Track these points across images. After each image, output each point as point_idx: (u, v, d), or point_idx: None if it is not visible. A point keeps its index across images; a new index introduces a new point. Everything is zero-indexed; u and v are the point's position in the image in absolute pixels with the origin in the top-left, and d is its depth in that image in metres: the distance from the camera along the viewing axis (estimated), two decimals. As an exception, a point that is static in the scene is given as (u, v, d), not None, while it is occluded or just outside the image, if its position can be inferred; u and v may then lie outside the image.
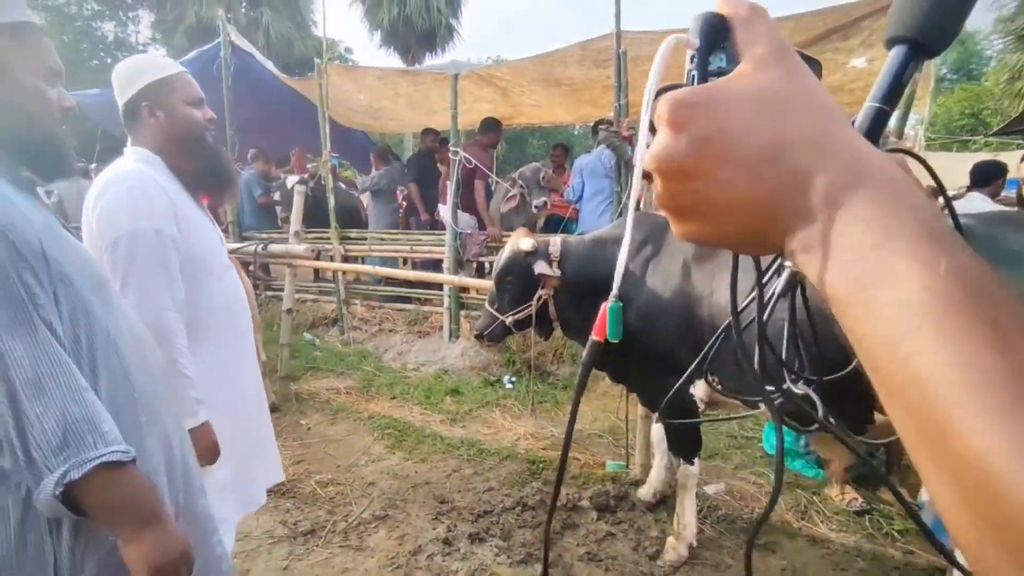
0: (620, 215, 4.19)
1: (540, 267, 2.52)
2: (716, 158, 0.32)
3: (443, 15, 22.18)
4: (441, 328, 5.29)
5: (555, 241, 2.61)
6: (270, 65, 5.94)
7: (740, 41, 0.36)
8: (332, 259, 5.39)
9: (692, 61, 0.38)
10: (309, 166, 6.83)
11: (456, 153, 4.78)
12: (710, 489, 3.05)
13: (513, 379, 4.64)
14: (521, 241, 2.59)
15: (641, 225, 2.51)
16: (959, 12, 0.39)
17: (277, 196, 6.15)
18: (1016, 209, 2.35)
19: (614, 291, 0.64)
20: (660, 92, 0.36)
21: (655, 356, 2.44)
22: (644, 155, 0.37)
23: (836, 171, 0.30)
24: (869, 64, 4.21)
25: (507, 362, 4.85)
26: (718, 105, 0.33)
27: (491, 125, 5.30)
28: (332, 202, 5.31)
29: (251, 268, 4.69)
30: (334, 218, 5.40)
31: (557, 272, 2.58)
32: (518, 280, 2.62)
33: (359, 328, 5.61)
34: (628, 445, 3.37)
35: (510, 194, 4.90)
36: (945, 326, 0.25)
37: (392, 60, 24.03)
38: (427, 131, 5.97)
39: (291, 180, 5.77)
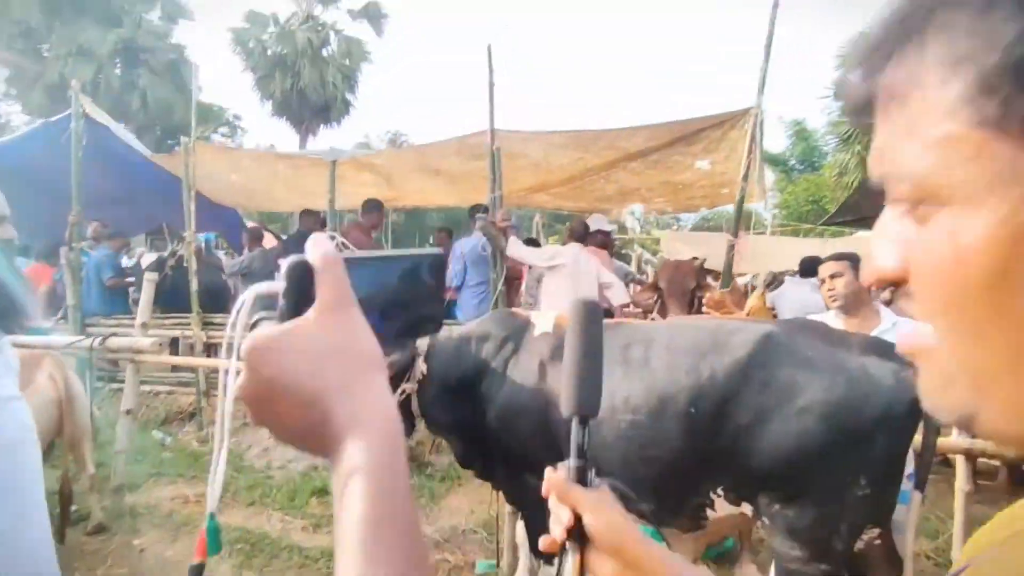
0: (495, 306, 4.26)
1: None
2: (275, 395, 0.41)
3: (339, 90, 22.37)
4: (313, 419, 4.97)
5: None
6: (130, 139, 5.58)
7: (317, 286, 0.43)
8: (192, 347, 4.95)
9: (282, 298, 0.45)
10: (171, 246, 6.37)
11: (334, 238, 4.68)
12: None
13: (388, 473, 4.41)
14: None
15: (504, 323, 2.56)
16: (596, 395, 0.58)
17: (132, 277, 5.63)
18: (822, 315, 2.68)
19: (209, 508, 0.60)
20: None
21: (514, 455, 2.43)
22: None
23: (345, 416, 0.41)
24: (711, 167, 4.76)
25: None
26: (282, 352, 0.42)
27: (373, 207, 5.27)
28: (195, 286, 4.95)
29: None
30: (196, 303, 5.01)
31: (423, 368, 2.55)
32: None
33: (220, 422, 5.11)
34: (497, 541, 3.27)
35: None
36: (357, 549, 0.37)
37: (285, 130, 23.70)
38: (306, 213, 5.82)
39: (146, 260, 5.33)
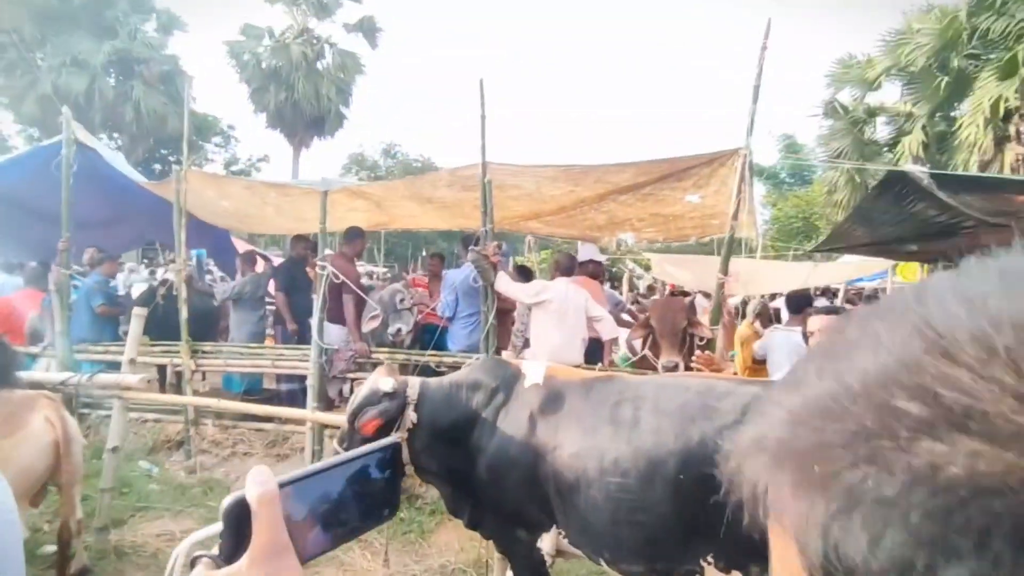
0: (487, 338, 4.26)
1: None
2: None
3: (333, 103, 22.44)
4: (303, 449, 4.93)
5: (414, 383, 2.57)
6: (120, 163, 5.56)
7: (253, 529, 0.43)
8: (180, 376, 4.91)
9: (220, 539, 0.45)
10: (160, 271, 6.33)
11: (324, 268, 4.68)
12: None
13: (378, 506, 4.37)
14: (381, 381, 2.52)
15: (494, 372, 2.56)
16: None
17: (122, 304, 5.59)
18: None
19: None
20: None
21: (503, 508, 2.42)
22: None
23: None
24: (701, 200, 4.80)
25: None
26: None
27: (355, 234, 5.27)
28: (184, 314, 4.91)
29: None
30: (186, 331, 4.98)
31: (413, 416, 2.54)
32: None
33: (209, 451, 5.06)
34: (491, 584, 3.25)
35: (372, 313, 4.83)
36: None
37: (278, 141, 23.67)
38: (297, 238, 5.82)
39: (136, 290, 5.29)
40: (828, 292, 10.91)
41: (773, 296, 8.63)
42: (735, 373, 2.94)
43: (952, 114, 12.70)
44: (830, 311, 2.67)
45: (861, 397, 0.26)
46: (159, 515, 4.18)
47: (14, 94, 20.32)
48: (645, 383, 2.25)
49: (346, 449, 2.60)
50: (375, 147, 37.60)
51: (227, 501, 0.45)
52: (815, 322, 2.67)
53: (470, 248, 4.67)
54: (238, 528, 0.44)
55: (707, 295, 9.05)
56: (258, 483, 0.44)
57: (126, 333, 5.46)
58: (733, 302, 7.32)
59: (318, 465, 0.53)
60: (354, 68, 23.20)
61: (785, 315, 6.26)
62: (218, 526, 0.46)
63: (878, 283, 13.49)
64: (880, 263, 9.61)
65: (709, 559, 1.91)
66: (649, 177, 4.38)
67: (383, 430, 2.51)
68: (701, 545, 1.91)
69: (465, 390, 2.54)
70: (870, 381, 0.26)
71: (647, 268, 14.51)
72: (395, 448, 0.60)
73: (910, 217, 4.57)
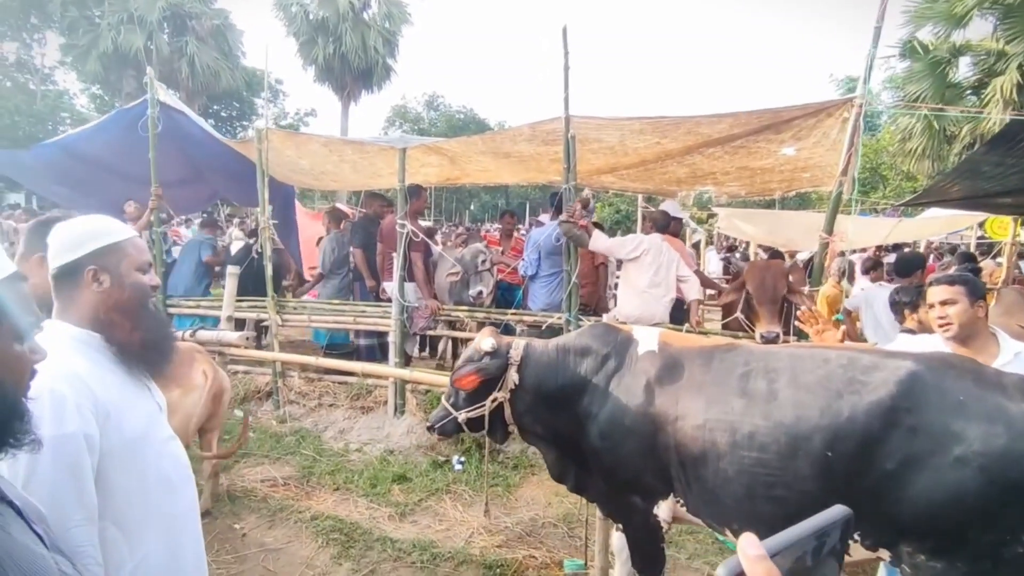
0: (569, 297, 4.21)
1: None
2: None
3: (380, 55, 22.17)
4: (386, 403, 5.09)
5: (518, 344, 2.56)
6: (203, 123, 5.65)
7: None
8: (267, 330, 5.09)
9: None
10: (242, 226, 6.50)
11: (404, 226, 4.68)
12: (666, 586, 3.02)
13: (462, 459, 4.50)
14: (483, 341, 2.53)
15: (605, 338, 2.50)
16: None
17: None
18: (927, 337, 2.53)
19: None
20: None
21: (616, 476, 2.40)
22: None
23: None
24: (797, 152, 4.52)
25: (456, 439, 4.71)
26: None
27: (413, 192, 5.22)
28: (269, 271, 5.05)
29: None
30: (271, 287, 5.12)
31: (515, 377, 2.53)
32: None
33: (296, 402, 5.29)
34: (586, 538, 3.31)
35: (452, 268, 4.84)
36: None
37: (327, 95, 23.66)
38: (372, 195, 5.83)
39: (235, 246, 5.47)
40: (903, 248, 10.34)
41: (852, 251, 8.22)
42: (842, 339, 2.78)
43: (1054, 51, 11.45)
44: (954, 281, 2.40)
45: None
46: (259, 462, 4.43)
47: (77, 53, 20.88)
48: (775, 354, 2.16)
49: (452, 405, 2.64)
50: (418, 99, 37.22)
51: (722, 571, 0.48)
52: (938, 293, 2.39)
53: (560, 220, 4.53)
54: None
55: (775, 251, 8.73)
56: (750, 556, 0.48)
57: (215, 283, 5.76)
58: (801, 258, 7.01)
59: (796, 531, 0.55)
60: (400, 18, 22.74)
61: (859, 273, 5.96)
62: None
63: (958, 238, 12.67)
64: (968, 218, 8.99)
65: (856, 535, 1.86)
66: (746, 128, 4.13)
67: (484, 388, 2.51)
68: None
69: (573, 355, 2.49)
70: None
71: (700, 222, 14.06)
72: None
73: (1019, 169, 4.19)
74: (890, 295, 3.34)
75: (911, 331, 3.08)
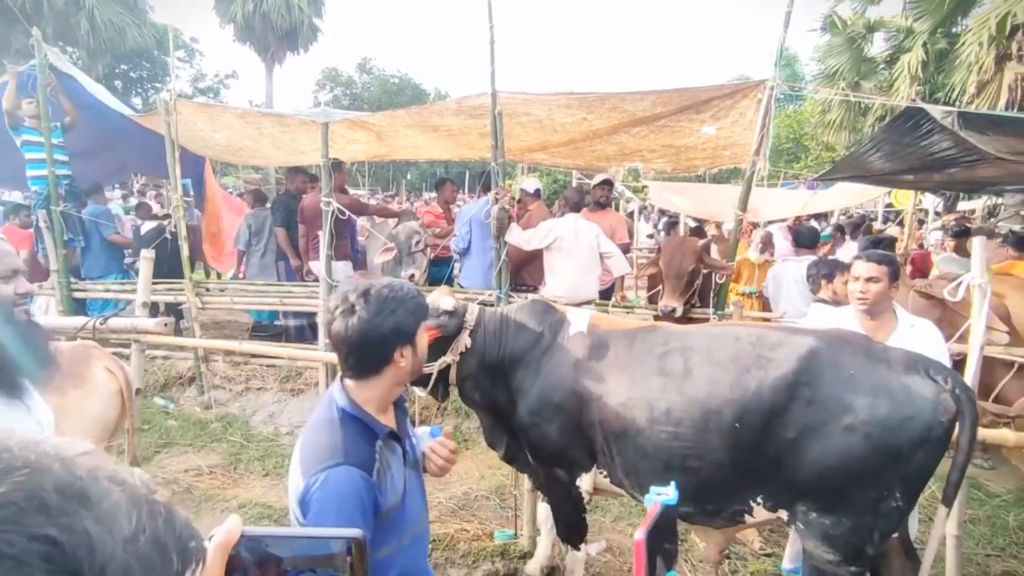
0: (499, 275, 4.23)
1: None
2: None
3: (305, 14, 20.93)
4: (317, 384, 4.99)
5: (473, 309, 2.50)
6: (100, 90, 5.17)
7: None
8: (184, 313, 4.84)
9: None
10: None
11: (329, 204, 4.52)
12: (592, 548, 3.13)
13: (397, 438, 4.50)
14: (442, 300, 2.44)
15: (541, 317, 2.51)
16: None
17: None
18: (840, 310, 2.73)
19: None
20: None
21: (543, 450, 2.47)
22: None
23: None
24: (717, 131, 4.68)
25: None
26: None
27: (336, 166, 5.02)
28: (185, 251, 4.77)
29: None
30: (188, 268, 4.85)
31: (467, 340, 2.48)
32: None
33: (222, 387, 5.09)
34: (515, 509, 3.40)
35: (386, 246, 4.74)
36: None
37: (249, 56, 22.17)
38: (294, 171, 5.57)
39: (146, 226, 5.11)
40: (820, 217, 10.99)
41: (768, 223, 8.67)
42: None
43: (954, 30, 12.27)
44: (881, 260, 2.53)
45: None
46: (183, 451, 4.26)
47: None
48: (691, 333, 2.26)
49: None
50: (350, 62, 35.48)
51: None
52: (864, 269, 2.50)
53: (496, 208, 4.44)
54: None
55: (699, 221, 9.07)
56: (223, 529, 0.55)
57: (130, 267, 5.38)
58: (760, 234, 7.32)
59: (281, 530, 0.59)
60: (326, -26, 21.47)
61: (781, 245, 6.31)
62: None
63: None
64: (877, 190, 9.62)
65: (758, 499, 2.01)
66: (668, 108, 4.22)
67: (438, 345, 2.41)
68: (751, 488, 2.00)
69: (513, 329, 2.47)
70: None
71: (636, 191, 14.33)
72: (359, 544, 0.62)
73: (918, 149, 4.52)
74: (808, 267, 3.56)
75: (824, 301, 3.28)
